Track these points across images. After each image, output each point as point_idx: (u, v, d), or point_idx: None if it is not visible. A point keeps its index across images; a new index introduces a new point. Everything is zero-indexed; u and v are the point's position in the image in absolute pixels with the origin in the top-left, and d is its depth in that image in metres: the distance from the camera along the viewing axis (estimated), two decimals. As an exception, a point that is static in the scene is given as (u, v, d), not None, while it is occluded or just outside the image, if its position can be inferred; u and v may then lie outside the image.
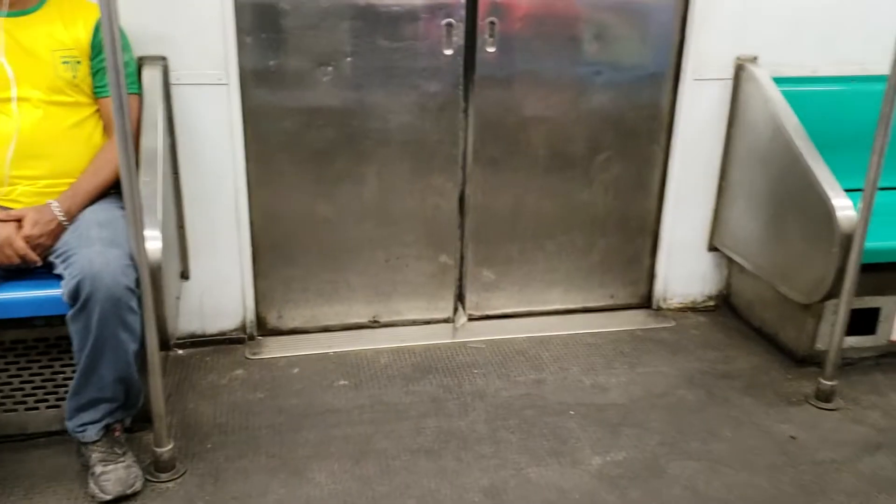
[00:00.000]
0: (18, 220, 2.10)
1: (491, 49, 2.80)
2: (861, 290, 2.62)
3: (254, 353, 2.87)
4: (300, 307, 3.00)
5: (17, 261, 2.08)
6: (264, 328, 2.99)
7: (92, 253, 1.99)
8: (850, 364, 2.86)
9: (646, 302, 3.31)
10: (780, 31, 2.98)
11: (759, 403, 2.65)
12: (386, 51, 2.73)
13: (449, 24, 2.74)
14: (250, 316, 2.93)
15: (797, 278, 2.74)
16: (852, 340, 2.84)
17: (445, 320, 3.13)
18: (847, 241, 2.50)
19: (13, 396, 2.30)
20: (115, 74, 1.81)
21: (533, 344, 3.00)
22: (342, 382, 2.71)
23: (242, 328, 2.94)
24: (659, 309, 3.28)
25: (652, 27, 2.95)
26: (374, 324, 3.08)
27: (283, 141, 2.77)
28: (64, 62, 2.20)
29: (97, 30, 2.23)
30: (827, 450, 2.42)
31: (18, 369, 2.27)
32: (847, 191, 2.58)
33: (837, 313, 2.56)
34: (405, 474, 2.26)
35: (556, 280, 3.18)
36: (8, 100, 2.15)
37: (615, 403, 2.63)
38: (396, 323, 3.09)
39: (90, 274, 1.96)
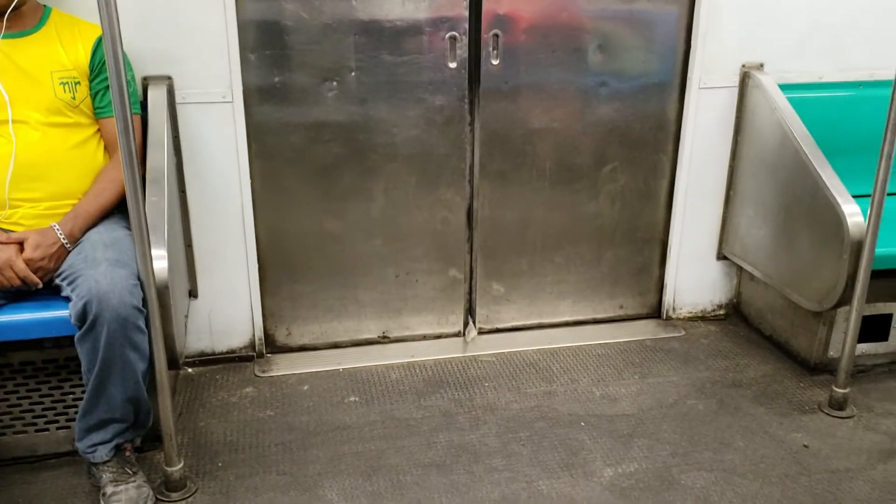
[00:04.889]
0: (20, 243, 2.10)
1: (495, 62, 2.80)
2: (872, 297, 2.61)
3: (263, 371, 2.87)
4: (309, 324, 3.00)
5: (17, 283, 2.08)
6: (273, 345, 2.99)
7: (98, 274, 2.00)
8: (862, 371, 2.85)
9: (655, 312, 3.29)
10: (785, 38, 2.98)
11: (771, 412, 2.63)
12: (390, 65, 2.74)
13: (453, 38, 2.75)
14: (259, 333, 2.93)
15: (808, 286, 2.72)
16: (865, 347, 2.82)
17: (456, 334, 3.12)
18: (857, 247, 2.48)
19: (23, 418, 2.30)
20: (120, 96, 1.82)
21: (543, 356, 2.99)
22: (352, 399, 2.70)
23: (251, 346, 2.94)
24: (668, 319, 3.27)
25: (657, 36, 2.95)
26: (384, 339, 3.07)
27: (288, 157, 2.78)
28: (62, 83, 2.20)
29: (95, 50, 2.24)
30: (841, 458, 2.40)
31: (28, 391, 2.27)
32: (856, 197, 2.56)
33: (849, 320, 2.54)
34: (417, 489, 2.25)
35: (566, 292, 3.17)
36: (4, 122, 2.15)
37: (626, 414, 2.62)
38: (406, 338, 3.08)
39: (97, 295, 1.96)
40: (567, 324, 3.21)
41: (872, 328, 2.80)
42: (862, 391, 2.73)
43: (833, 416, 2.60)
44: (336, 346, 3.04)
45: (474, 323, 3.13)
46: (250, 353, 2.94)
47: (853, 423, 2.58)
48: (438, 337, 3.11)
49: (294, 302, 2.96)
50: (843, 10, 2.99)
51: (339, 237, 2.91)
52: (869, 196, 2.41)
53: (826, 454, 2.42)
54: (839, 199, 2.55)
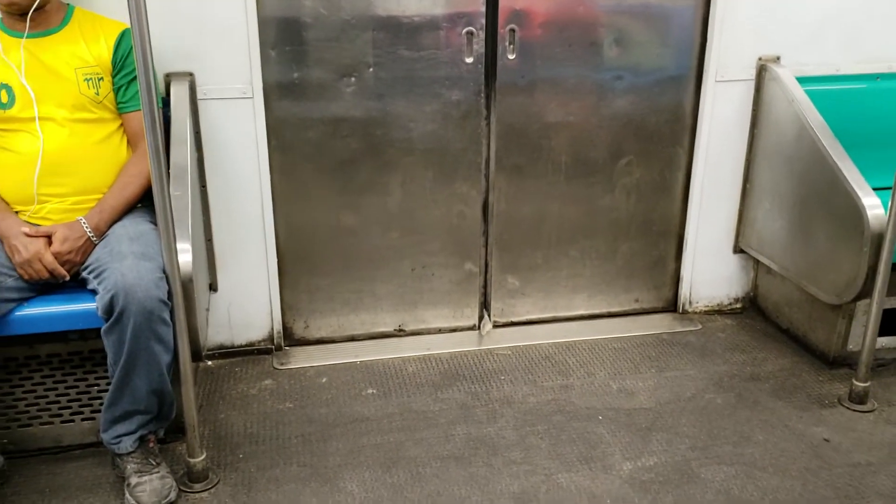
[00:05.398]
0: (48, 237, 2.13)
1: (511, 56, 2.81)
2: (893, 290, 2.60)
3: (282, 364, 2.89)
4: (326, 317, 3.02)
5: (45, 275, 2.12)
6: (291, 338, 3.01)
7: (124, 267, 2.02)
8: (882, 365, 2.83)
9: (671, 305, 3.29)
10: (802, 30, 2.97)
11: (790, 406, 2.63)
12: (408, 60, 2.75)
13: (469, 33, 2.75)
14: (277, 326, 2.95)
15: (826, 279, 2.72)
16: (885, 341, 2.81)
17: (471, 328, 3.13)
18: (878, 239, 2.47)
19: (49, 409, 2.33)
20: (148, 93, 1.83)
21: (559, 350, 2.99)
22: (370, 391, 2.72)
23: (270, 339, 2.96)
24: (685, 312, 3.27)
25: (673, 30, 2.94)
26: (400, 332, 3.09)
27: (307, 152, 2.79)
28: (86, 79, 2.23)
29: (118, 46, 2.27)
30: (862, 452, 2.39)
31: (54, 382, 2.30)
32: (875, 189, 2.55)
33: (869, 313, 2.54)
34: (436, 481, 2.27)
35: (581, 286, 3.18)
36: (31, 119, 2.18)
37: (644, 408, 2.62)
38: (422, 331, 3.10)
39: (123, 288, 1.98)
40: (582, 317, 3.22)
41: (892, 321, 2.79)
42: (882, 385, 2.72)
43: (853, 410, 2.60)
44: (353, 339, 3.06)
45: (489, 316, 3.14)
46: (269, 346, 2.96)
47: (874, 416, 2.57)
48: (454, 330, 3.12)
49: (312, 295, 2.98)
50: (860, 2, 2.97)
51: (357, 231, 2.92)
52: (888, 189, 2.40)
53: (847, 448, 2.41)
54: (859, 192, 2.54)
